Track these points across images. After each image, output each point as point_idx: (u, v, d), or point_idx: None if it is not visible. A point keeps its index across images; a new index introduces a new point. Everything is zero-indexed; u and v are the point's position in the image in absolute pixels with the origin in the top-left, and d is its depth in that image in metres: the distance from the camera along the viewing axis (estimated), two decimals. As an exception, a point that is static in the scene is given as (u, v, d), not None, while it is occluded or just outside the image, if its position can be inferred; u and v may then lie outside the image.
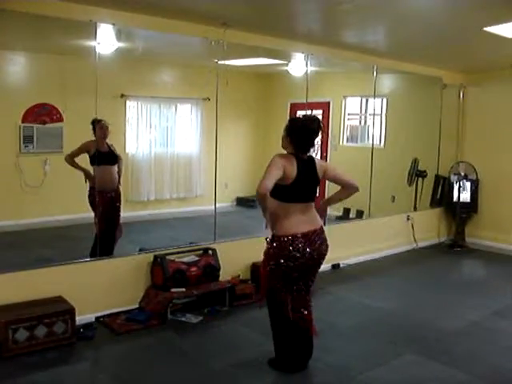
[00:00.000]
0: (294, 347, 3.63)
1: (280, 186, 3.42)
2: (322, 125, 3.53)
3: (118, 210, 5.36)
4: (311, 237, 3.49)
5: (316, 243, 3.50)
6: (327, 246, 3.61)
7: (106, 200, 5.11)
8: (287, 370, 3.64)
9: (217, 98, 5.36)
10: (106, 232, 4.94)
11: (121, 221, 5.39)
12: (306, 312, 3.63)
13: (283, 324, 3.59)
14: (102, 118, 5.07)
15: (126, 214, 5.56)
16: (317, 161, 3.60)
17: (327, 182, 7.88)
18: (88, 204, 5.06)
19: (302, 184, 3.45)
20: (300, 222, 3.47)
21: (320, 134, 3.54)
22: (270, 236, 3.58)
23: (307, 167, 3.50)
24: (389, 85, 7.95)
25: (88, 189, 5.11)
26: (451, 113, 8.05)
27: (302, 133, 3.48)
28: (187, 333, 4.34)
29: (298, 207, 3.48)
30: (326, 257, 3.64)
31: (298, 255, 3.43)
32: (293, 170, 3.40)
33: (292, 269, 3.46)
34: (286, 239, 3.44)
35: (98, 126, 5.07)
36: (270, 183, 3.26)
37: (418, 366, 3.84)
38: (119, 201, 5.37)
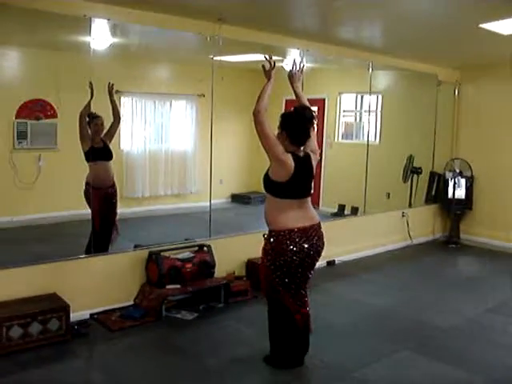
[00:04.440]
0: (291, 344, 3.62)
1: (277, 183, 3.42)
2: (314, 113, 3.51)
3: (115, 206, 5.32)
4: (308, 232, 3.47)
5: (313, 239, 3.49)
6: (323, 242, 3.60)
7: (101, 196, 5.08)
8: (283, 367, 3.64)
9: (212, 94, 5.34)
10: (102, 228, 4.91)
11: (117, 218, 5.36)
12: (304, 309, 3.62)
13: (282, 321, 3.58)
14: (99, 114, 5.05)
15: (120, 210, 5.53)
16: (311, 154, 3.58)
17: (323, 178, 7.89)
18: (84, 200, 5.01)
19: (298, 181, 3.44)
20: (297, 217, 3.46)
21: (314, 123, 3.50)
22: (267, 232, 3.56)
23: (304, 164, 3.48)
24: (384, 81, 7.95)
25: (84, 184, 5.05)
26: (446, 109, 8.05)
27: (296, 122, 3.44)
28: (182, 329, 4.33)
29: (294, 203, 3.47)
30: (322, 253, 3.63)
31: (295, 249, 3.41)
32: (291, 166, 3.38)
33: (289, 264, 3.45)
34: (282, 233, 3.43)
35: (93, 123, 5.04)
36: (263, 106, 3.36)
37: (412, 363, 3.84)
38: (115, 197, 5.33)
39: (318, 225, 3.57)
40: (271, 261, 3.49)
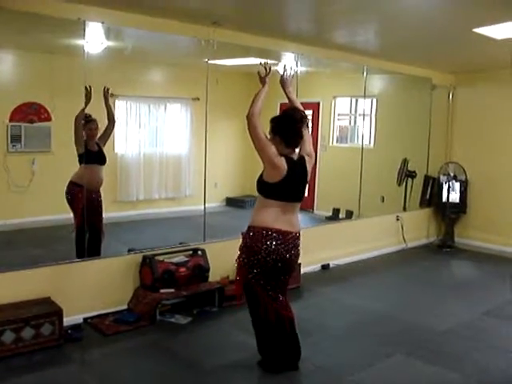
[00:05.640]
0: (276, 345, 3.60)
1: (267, 184, 3.43)
2: (304, 114, 3.52)
3: (101, 211, 5.26)
4: (286, 237, 3.45)
5: (290, 245, 3.47)
6: (299, 253, 3.58)
7: (87, 198, 5.03)
8: (276, 371, 3.62)
9: (207, 97, 5.33)
10: (91, 232, 4.89)
11: (109, 221, 5.32)
12: (286, 312, 3.59)
13: (263, 321, 3.56)
14: (94, 118, 5.03)
15: (115, 214, 5.51)
16: (306, 158, 3.58)
17: (317, 181, 7.89)
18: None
19: (289, 184, 3.44)
20: (278, 219, 3.44)
21: (305, 124, 3.51)
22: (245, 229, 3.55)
23: (297, 167, 3.48)
24: (379, 85, 7.96)
25: (68, 183, 5.00)
26: (441, 113, 8.09)
27: (287, 125, 3.45)
28: (176, 334, 4.31)
29: (281, 205, 3.46)
30: (297, 262, 3.62)
31: (270, 249, 3.39)
32: (283, 168, 3.38)
33: (263, 264, 3.42)
34: (259, 231, 3.42)
35: (87, 126, 5.02)
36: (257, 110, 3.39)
37: (407, 367, 3.84)
38: (101, 202, 5.25)
39: (298, 234, 3.56)
40: (246, 259, 3.48)
